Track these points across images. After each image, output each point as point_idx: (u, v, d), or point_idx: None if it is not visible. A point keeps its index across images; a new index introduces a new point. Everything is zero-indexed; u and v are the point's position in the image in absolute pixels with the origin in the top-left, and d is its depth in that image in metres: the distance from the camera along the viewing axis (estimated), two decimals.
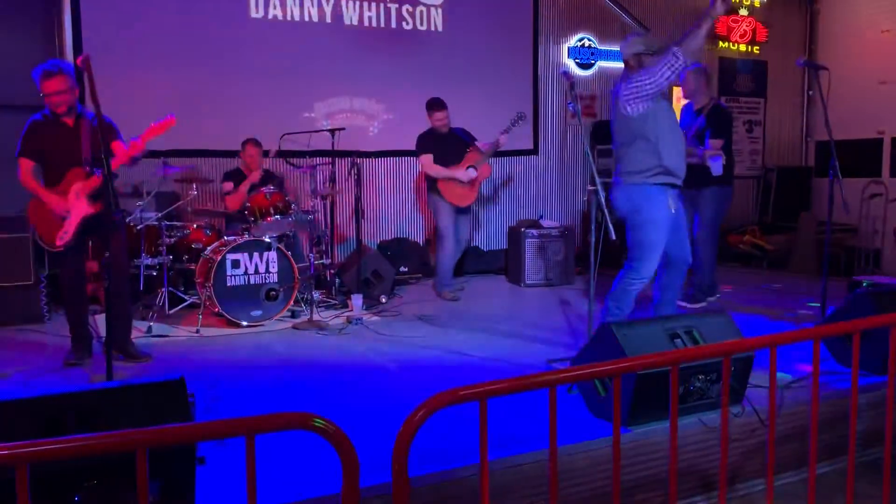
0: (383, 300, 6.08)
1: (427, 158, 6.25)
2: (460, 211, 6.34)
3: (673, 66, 3.88)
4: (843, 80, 8.15)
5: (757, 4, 9.33)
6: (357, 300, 5.53)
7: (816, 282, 4.78)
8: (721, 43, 9.16)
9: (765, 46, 9.36)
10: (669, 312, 4.29)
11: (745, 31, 9.16)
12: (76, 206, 4.08)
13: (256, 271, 5.26)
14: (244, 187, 5.94)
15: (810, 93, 9.74)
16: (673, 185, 4.13)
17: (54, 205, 4.08)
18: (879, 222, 8.07)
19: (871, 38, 8.88)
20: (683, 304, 5.82)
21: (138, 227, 5.50)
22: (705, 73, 5.74)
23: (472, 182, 6.26)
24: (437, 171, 6.22)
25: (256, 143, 6.19)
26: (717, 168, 4.99)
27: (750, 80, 9.44)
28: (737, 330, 3.41)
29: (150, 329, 5.04)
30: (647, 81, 3.95)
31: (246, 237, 5.30)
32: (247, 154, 6.15)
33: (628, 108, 4.06)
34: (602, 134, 8.33)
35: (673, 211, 4.12)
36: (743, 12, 9.19)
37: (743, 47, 9.14)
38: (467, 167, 6.24)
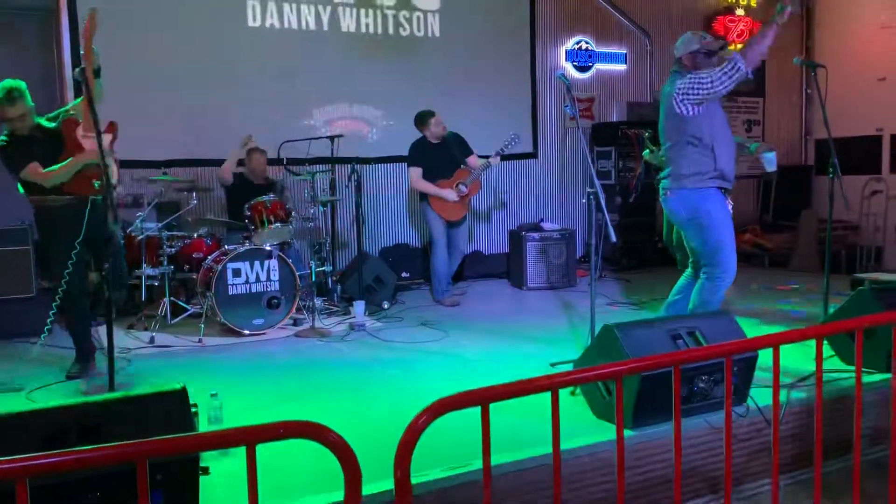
0: (385, 306, 6.08)
1: (416, 172, 6.27)
2: (452, 222, 6.34)
3: (733, 75, 3.80)
4: (841, 78, 8.15)
5: (753, 4, 9.34)
6: (359, 307, 5.52)
7: (819, 280, 4.75)
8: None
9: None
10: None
11: (742, 30, 9.16)
12: (92, 146, 3.89)
13: (258, 280, 5.26)
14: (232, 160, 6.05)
15: (808, 91, 9.74)
16: (725, 190, 4.06)
17: (83, 158, 4.00)
18: (880, 219, 8.06)
19: (868, 34, 8.87)
20: None
21: (139, 238, 5.50)
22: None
23: (461, 199, 6.25)
24: (425, 187, 6.23)
25: (262, 151, 6.21)
26: (770, 164, 4.73)
27: (748, 79, 9.42)
28: (739, 330, 3.40)
29: (152, 339, 5.04)
30: (705, 84, 3.85)
31: (247, 246, 5.30)
32: (252, 162, 6.16)
33: (682, 109, 3.96)
34: (601, 136, 8.35)
35: (730, 207, 4.07)
36: (739, 12, 9.20)
37: (741, 46, 9.12)
38: (457, 184, 6.23)
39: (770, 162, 4.63)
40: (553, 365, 4.16)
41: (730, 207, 4.08)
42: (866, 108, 8.62)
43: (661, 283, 6.90)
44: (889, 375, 3.05)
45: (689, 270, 4.31)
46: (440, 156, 6.28)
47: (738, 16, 9.18)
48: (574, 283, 7.12)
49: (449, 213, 6.26)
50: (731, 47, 9.12)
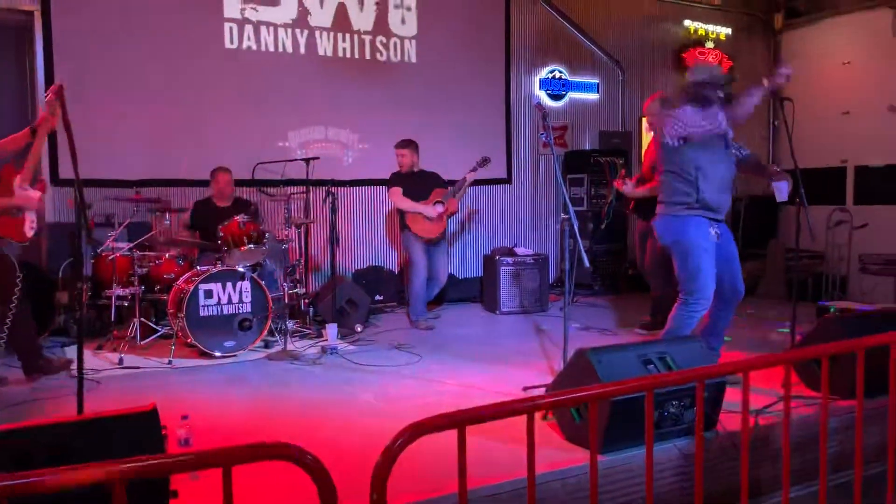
0: (358, 329, 6.06)
1: (396, 191, 6.32)
2: (433, 245, 6.36)
3: (710, 126, 3.92)
4: (807, 111, 8.35)
5: (723, 38, 9.58)
6: (332, 329, 5.50)
7: (786, 307, 4.84)
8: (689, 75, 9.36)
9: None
10: (718, 344, 4.27)
11: (711, 63, 9.37)
12: (25, 196, 4.22)
13: (230, 301, 5.21)
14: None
15: (775, 123, 9.98)
16: (712, 220, 4.09)
17: (3, 204, 4.16)
18: (845, 249, 8.24)
19: (832, 69, 9.14)
20: (640, 331, 5.88)
21: (110, 258, 5.44)
22: (668, 102, 5.80)
23: (438, 216, 6.29)
24: (406, 204, 6.27)
25: (227, 170, 6.18)
26: (781, 194, 4.61)
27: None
28: (710, 355, 3.45)
29: (121, 360, 4.97)
30: (683, 123, 3.96)
31: (219, 267, 5.26)
32: (219, 182, 6.13)
33: (667, 138, 4.05)
34: (574, 163, 8.46)
35: (716, 239, 4.09)
36: (709, 45, 9.43)
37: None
38: (434, 202, 6.29)
39: (780, 191, 4.57)
40: (526, 389, 4.18)
41: (713, 235, 4.10)
42: (831, 140, 8.85)
43: (632, 309, 6.99)
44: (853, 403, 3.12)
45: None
46: (418, 183, 6.35)
47: (708, 48, 9.41)
48: (547, 307, 7.17)
49: (426, 230, 6.29)
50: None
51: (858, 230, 8.23)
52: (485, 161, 6.38)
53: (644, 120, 5.85)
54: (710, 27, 9.48)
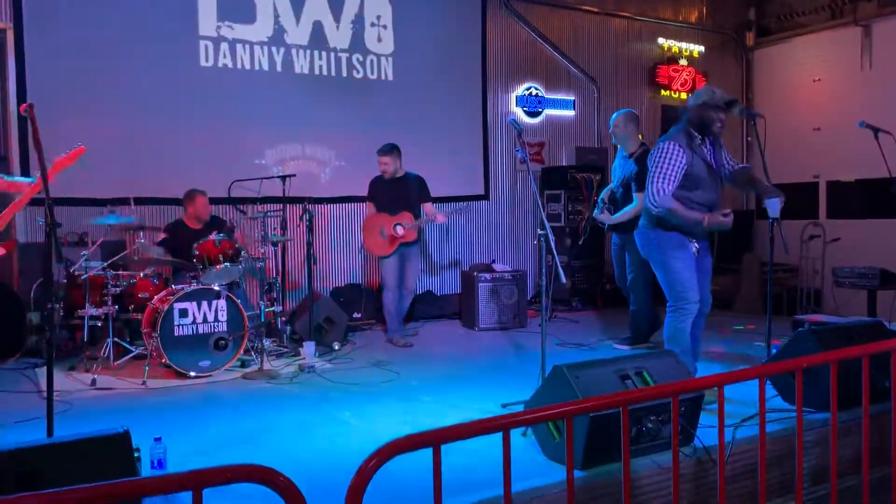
0: (336, 347, 6.02)
1: (369, 207, 6.42)
2: (401, 255, 6.33)
3: (654, 197, 4.03)
4: (780, 127, 8.54)
5: (696, 55, 9.73)
6: (309, 348, 5.46)
7: (761, 321, 4.88)
8: (663, 91, 9.49)
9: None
10: (694, 359, 4.31)
11: (685, 80, 9.52)
12: None
13: (205, 320, 5.16)
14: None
15: (749, 139, 10.12)
16: (694, 238, 4.18)
17: None
18: (818, 262, 8.36)
19: (804, 86, 9.31)
20: (619, 346, 5.91)
21: (83, 277, 5.36)
22: (634, 120, 5.89)
23: (390, 238, 6.25)
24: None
25: (203, 193, 6.13)
26: (774, 210, 4.61)
27: None
28: (686, 369, 3.46)
29: (94, 381, 4.88)
30: (650, 173, 4.10)
31: (194, 285, 5.21)
32: (196, 204, 6.06)
33: (649, 162, 4.19)
34: (551, 179, 8.51)
35: (695, 253, 4.17)
36: (683, 62, 9.57)
37: (684, 95, 9.46)
38: (395, 224, 6.25)
39: (773, 207, 4.57)
40: (504, 406, 4.16)
41: (694, 249, 4.17)
42: (803, 156, 9.00)
43: (610, 324, 7.03)
44: (827, 415, 3.14)
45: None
46: (394, 191, 6.29)
47: (682, 66, 9.55)
48: (525, 323, 7.17)
49: (374, 246, 6.29)
50: (674, 96, 9.45)
51: (831, 244, 8.35)
52: (460, 210, 6.50)
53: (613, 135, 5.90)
54: (684, 45, 9.63)
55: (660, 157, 4.08)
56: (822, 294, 8.20)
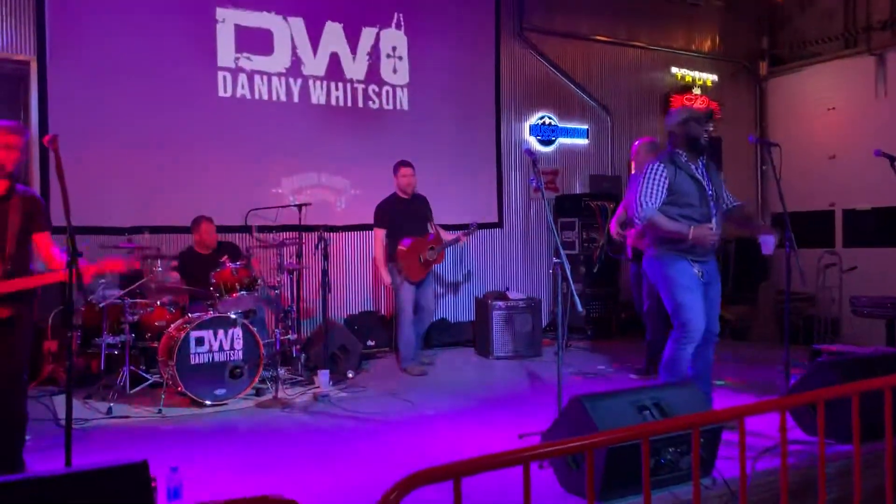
0: (350, 375, 6.01)
1: (379, 233, 6.31)
2: (420, 285, 6.33)
3: (638, 210, 4.08)
4: (794, 155, 8.50)
5: (709, 84, 9.76)
6: (324, 376, 5.46)
7: (778, 350, 4.84)
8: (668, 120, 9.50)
9: (718, 124, 9.75)
10: (705, 387, 4.26)
11: (698, 108, 9.53)
12: None
13: (221, 349, 5.17)
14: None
15: (763, 167, 10.11)
16: (696, 261, 4.16)
17: None
18: (836, 291, 8.28)
19: (818, 115, 9.32)
20: (635, 377, 5.87)
21: (100, 305, 5.40)
22: (655, 147, 5.90)
23: (425, 263, 6.26)
24: (379, 254, 6.30)
25: (209, 219, 6.17)
26: (767, 247, 4.64)
27: None
28: (704, 400, 3.43)
29: (110, 410, 4.90)
30: (637, 193, 4.12)
31: (210, 314, 5.23)
32: (201, 232, 6.12)
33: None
34: (565, 207, 8.52)
35: (699, 276, 4.15)
36: (696, 91, 9.60)
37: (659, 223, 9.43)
38: (430, 247, 6.27)
39: (766, 244, 4.59)
40: (521, 436, 4.13)
41: (698, 273, 4.15)
42: (819, 184, 8.96)
43: (626, 353, 6.97)
44: (847, 447, 3.10)
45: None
46: (408, 212, 6.30)
47: (695, 94, 9.58)
48: (540, 352, 7.13)
49: (415, 273, 6.23)
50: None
51: (848, 272, 8.28)
52: (476, 227, 6.64)
53: (633, 164, 5.93)
54: (697, 74, 9.67)
55: (644, 176, 4.16)
56: (839, 323, 8.12)
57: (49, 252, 3.72)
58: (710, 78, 9.78)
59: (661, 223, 4.09)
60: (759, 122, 10.06)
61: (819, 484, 2.36)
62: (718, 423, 3.05)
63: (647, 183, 4.12)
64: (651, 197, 4.09)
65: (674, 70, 9.55)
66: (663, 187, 4.10)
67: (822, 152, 9.09)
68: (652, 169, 4.15)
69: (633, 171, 6.16)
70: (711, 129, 4.23)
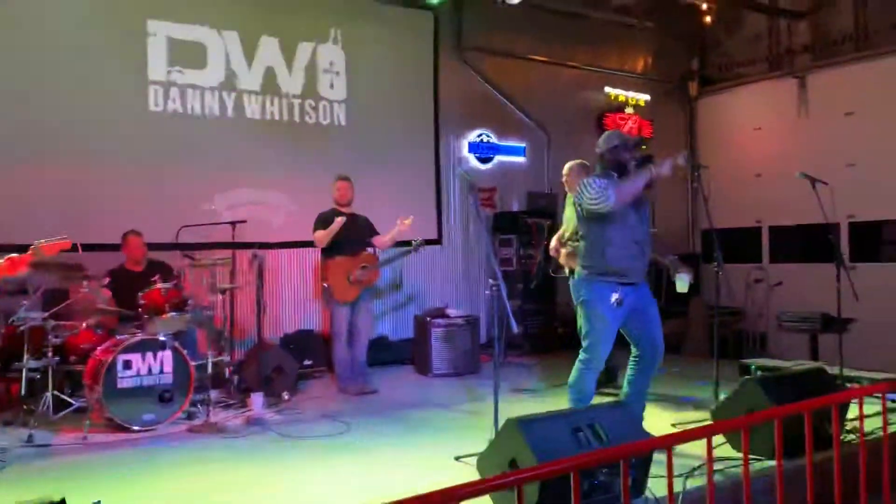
0: (286, 397, 5.89)
1: (318, 234, 6.18)
2: (357, 307, 6.26)
3: (599, 203, 4.03)
4: (723, 174, 8.80)
5: (642, 104, 10.01)
6: (257, 399, 5.35)
7: (709, 364, 4.96)
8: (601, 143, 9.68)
9: (650, 142, 9.99)
10: (640, 405, 4.28)
11: (631, 128, 9.77)
12: None
13: (150, 372, 5.01)
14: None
15: (694, 185, 10.39)
16: (623, 283, 4.16)
17: None
18: (764, 306, 8.57)
19: (745, 134, 9.65)
20: None
21: (21, 328, 5.17)
22: (586, 169, 6.02)
23: (355, 282, 6.19)
24: (323, 236, 6.12)
25: (137, 233, 5.99)
26: (682, 284, 4.75)
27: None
28: (637, 421, 3.49)
29: (30, 437, 4.67)
30: (584, 196, 4.11)
31: (139, 336, 5.07)
32: (129, 246, 5.93)
33: (578, 208, 4.24)
34: (503, 224, 8.59)
35: (615, 304, 4.12)
36: (629, 111, 9.83)
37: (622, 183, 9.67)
38: (362, 266, 6.22)
39: (682, 282, 4.68)
40: (458, 458, 4.12)
41: (615, 301, 4.15)
42: (746, 201, 9.27)
43: (562, 368, 7.01)
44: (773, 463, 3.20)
45: (633, 350, 4.40)
46: (349, 231, 6.20)
47: (628, 114, 9.81)
48: (478, 369, 7.15)
49: (345, 294, 6.17)
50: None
51: (776, 288, 8.58)
52: (418, 245, 6.52)
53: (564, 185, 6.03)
54: (630, 94, 9.91)
55: (587, 181, 4.17)
56: (767, 337, 8.39)
57: None
58: (643, 98, 10.03)
59: (627, 187, 4.06)
60: (689, 141, 10.36)
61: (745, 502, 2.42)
62: (646, 452, 3.09)
63: (594, 182, 4.12)
64: (606, 186, 4.05)
65: (607, 90, 9.76)
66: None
67: (749, 171, 9.41)
68: (591, 179, 4.18)
69: (567, 192, 6.23)
70: (639, 156, 4.30)
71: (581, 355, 4.23)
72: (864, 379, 5.41)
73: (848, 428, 4.17)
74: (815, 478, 2.80)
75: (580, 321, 4.28)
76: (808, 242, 8.77)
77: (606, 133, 4.47)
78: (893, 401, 4.57)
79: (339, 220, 6.06)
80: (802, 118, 9.04)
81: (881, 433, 3.53)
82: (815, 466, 2.81)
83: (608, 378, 5.93)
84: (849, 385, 5.20)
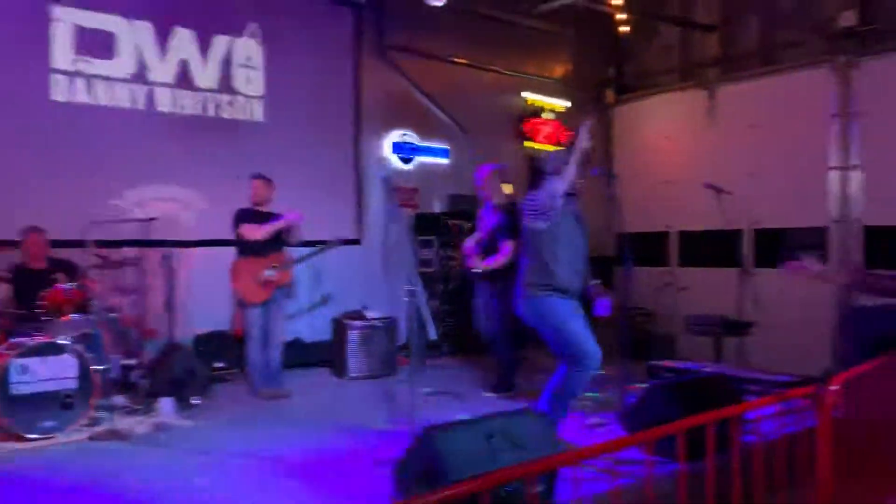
0: (197, 402, 5.71)
1: (244, 227, 6.05)
2: (270, 309, 6.13)
3: (556, 198, 4.18)
4: (636, 180, 9.06)
5: (560, 109, 10.16)
6: (166, 404, 5.18)
7: (618, 364, 5.10)
8: (527, 143, 9.82)
9: (570, 147, 10.19)
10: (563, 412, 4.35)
11: (549, 132, 9.92)
12: None
13: (50, 377, 4.77)
14: None
15: (610, 192, 10.65)
16: (564, 297, 4.28)
17: None
18: (672, 308, 8.87)
19: (656, 142, 9.95)
20: (490, 395, 6.06)
21: None
22: (502, 173, 6.15)
23: (265, 283, 6.07)
24: (254, 232, 6.00)
25: (39, 229, 5.69)
26: (602, 308, 4.68)
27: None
28: (550, 427, 3.55)
29: None
30: (536, 206, 4.24)
31: (38, 339, 4.82)
32: (30, 243, 5.63)
33: (525, 224, 4.32)
34: (423, 225, 8.59)
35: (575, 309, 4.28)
36: (547, 115, 9.97)
37: (550, 147, 9.85)
38: (272, 266, 6.10)
39: (603, 307, 4.67)
40: (376, 462, 4.10)
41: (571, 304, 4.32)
42: (656, 207, 9.55)
43: (480, 370, 7.11)
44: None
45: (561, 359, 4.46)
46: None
47: (546, 119, 9.95)
48: (395, 371, 7.13)
49: (254, 294, 6.04)
50: (538, 147, 9.77)
51: (683, 291, 8.89)
52: (340, 242, 6.47)
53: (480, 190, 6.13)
54: (549, 99, 10.04)
55: (540, 192, 4.29)
56: (676, 340, 8.68)
57: None
58: (563, 104, 10.19)
59: (566, 174, 4.24)
60: (606, 148, 10.60)
61: None
62: (554, 467, 3.14)
63: (538, 198, 4.27)
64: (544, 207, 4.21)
65: (525, 94, 9.87)
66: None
67: (660, 178, 9.70)
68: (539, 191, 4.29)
69: (485, 198, 6.29)
70: (585, 178, 4.43)
71: (576, 361, 4.24)
72: (763, 381, 5.69)
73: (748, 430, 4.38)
74: (716, 479, 2.93)
75: (554, 337, 4.29)
76: (714, 247, 9.12)
77: (552, 153, 4.61)
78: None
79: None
80: (710, 129, 9.39)
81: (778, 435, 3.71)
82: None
83: (507, 385, 6.06)
84: (749, 387, 5.46)
